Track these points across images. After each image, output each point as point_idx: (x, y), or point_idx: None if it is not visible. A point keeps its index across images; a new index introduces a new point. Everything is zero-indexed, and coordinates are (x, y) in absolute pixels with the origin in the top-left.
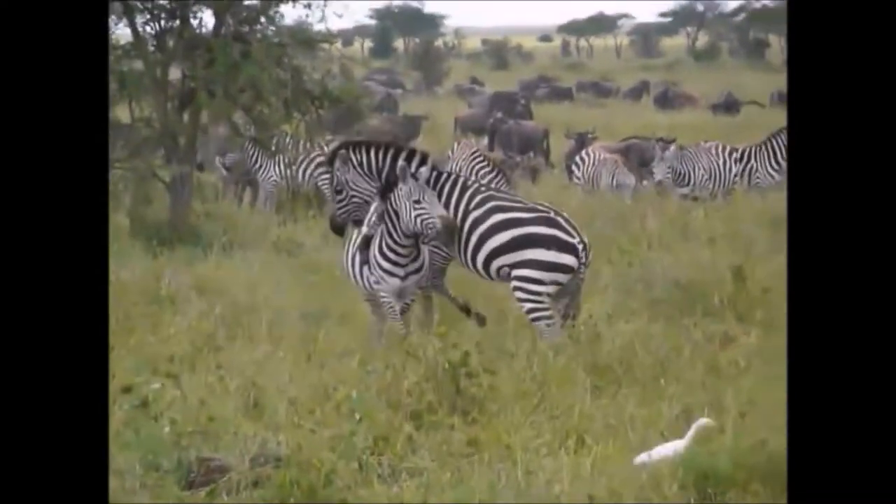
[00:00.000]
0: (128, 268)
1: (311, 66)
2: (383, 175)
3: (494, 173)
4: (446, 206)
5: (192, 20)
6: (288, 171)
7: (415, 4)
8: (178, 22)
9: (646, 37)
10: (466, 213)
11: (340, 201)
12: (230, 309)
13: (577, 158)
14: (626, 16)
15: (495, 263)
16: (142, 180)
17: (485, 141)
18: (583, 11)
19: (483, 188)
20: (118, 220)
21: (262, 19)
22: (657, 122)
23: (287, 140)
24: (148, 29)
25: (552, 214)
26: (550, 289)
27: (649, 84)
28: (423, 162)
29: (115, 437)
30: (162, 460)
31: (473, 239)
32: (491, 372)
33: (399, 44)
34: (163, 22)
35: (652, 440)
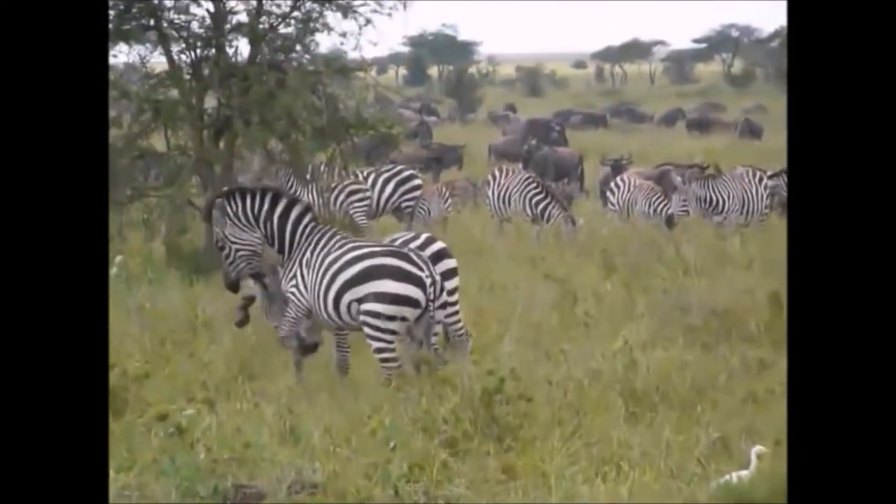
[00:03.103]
0: (164, 295)
1: (346, 94)
2: (261, 223)
3: (548, 200)
4: (314, 253)
5: (227, 48)
6: (321, 199)
7: (449, 32)
8: (213, 50)
9: (680, 63)
10: (327, 255)
11: (226, 257)
12: (265, 336)
13: (613, 185)
14: (660, 42)
15: (345, 298)
16: (177, 209)
17: (520, 167)
18: (617, 38)
19: (351, 239)
20: (154, 248)
21: (298, 48)
22: (691, 148)
23: (322, 168)
24: (184, 57)
25: (403, 249)
26: (396, 325)
27: (683, 110)
28: (305, 211)
29: (151, 465)
30: (198, 487)
31: (328, 276)
32: (527, 399)
33: (433, 71)
34: (198, 50)
35: (688, 467)
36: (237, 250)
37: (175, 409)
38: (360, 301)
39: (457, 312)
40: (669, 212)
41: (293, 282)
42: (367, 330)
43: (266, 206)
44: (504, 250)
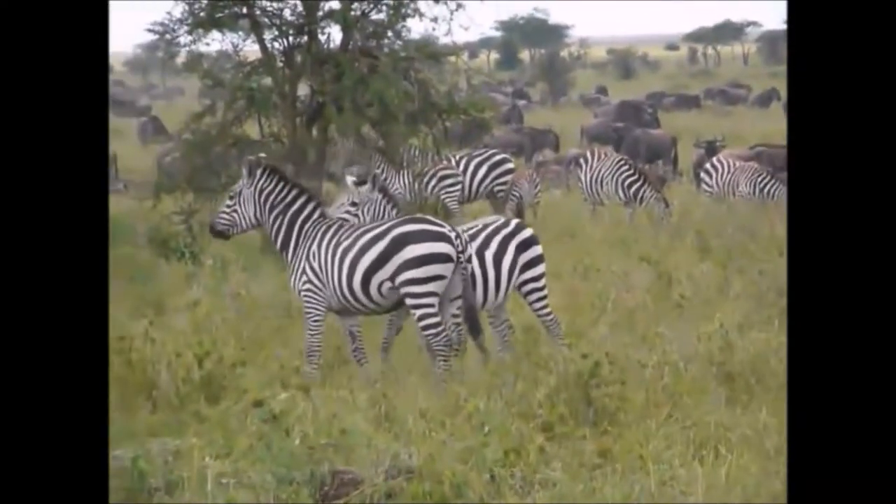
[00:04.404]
0: (258, 282)
1: (438, 79)
2: (267, 208)
3: (641, 182)
4: (322, 245)
5: (319, 36)
6: (416, 184)
7: (540, 15)
8: (306, 38)
9: (773, 43)
10: (338, 245)
11: (227, 206)
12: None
13: (709, 167)
14: (753, 23)
15: (374, 281)
16: None
17: (611, 149)
18: (709, 19)
19: (357, 225)
20: (249, 236)
21: (389, 34)
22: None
23: (415, 153)
24: (276, 45)
25: (415, 215)
26: (434, 286)
27: (778, 91)
28: (317, 207)
29: (247, 452)
30: (294, 473)
31: (346, 263)
32: (622, 382)
33: (525, 55)
34: (291, 38)
35: (786, 449)
36: (234, 210)
37: (270, 395)
38: (391, 279)
39: (544, 298)
40: (776, 191)
41: (304, 278)
42: (408, 300)
43: (288, 199)
44: (597, 233)
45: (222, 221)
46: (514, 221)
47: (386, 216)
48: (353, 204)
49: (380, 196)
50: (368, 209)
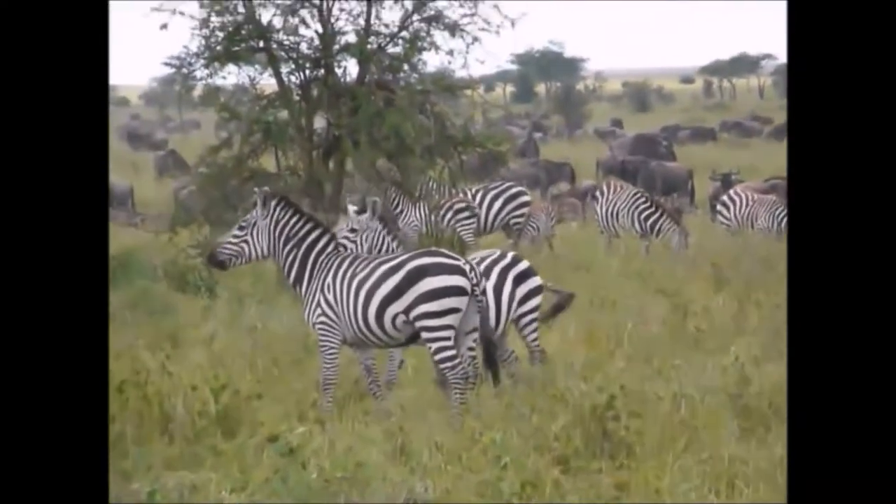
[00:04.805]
0: (275, 316)
1: (454, 112)
2: (282, 241)
3: (657, 214)
4: (336, 277)
5: (336, 69)
6: (432, 216)
7: (556, 48)
8: (322, 71)
9: None
10: (353, 276)
11: (235, 236)
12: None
13: (726, 199)
14: (768, 56)
15: (388, 313)
16: None
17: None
18: (725, 52)
19: (372, 256)
20: (265, 268)
21: (406, 67)
22: None
23: (431, 185)
24: (293, 78)
25: (431, 248)
26: (450, 319)
27: None
28: (331, 240)
29: (263, 485)
30: None
31: (362, 295)
32: (638, 415)
33: (540, 88)
34: (307, 71)
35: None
36: (243, 241)
37: (287, 429)
38: (406, 311)
39: (536, 330)
40: None
41: (318, 311)
42: (424, 334)
43: (302, 232)
44: (613, 265)
45: (226, 252)
46: (511, 254)
47: (385, 245)
48: (352, 230)
49: (379, 226)
50: (367, 237)
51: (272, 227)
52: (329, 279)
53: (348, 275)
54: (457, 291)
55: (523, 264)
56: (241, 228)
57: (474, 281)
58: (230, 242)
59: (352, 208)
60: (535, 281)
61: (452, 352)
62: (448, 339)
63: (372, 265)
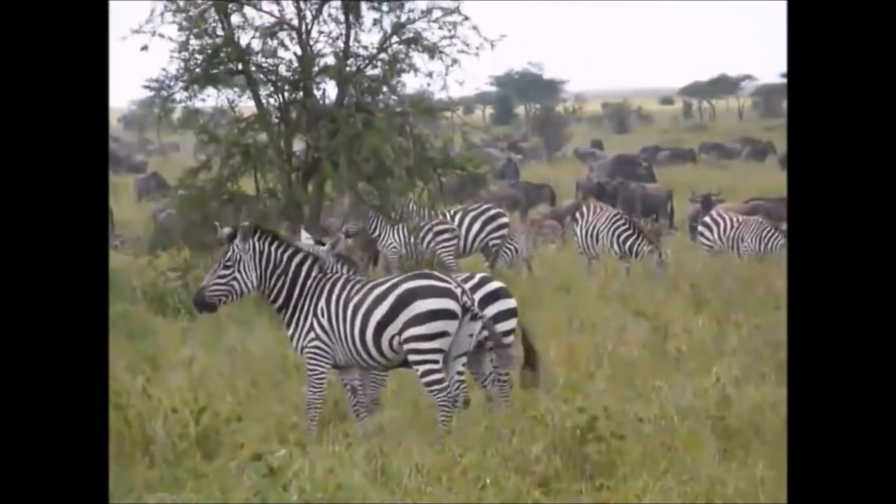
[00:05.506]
0: (254, 338)
1: (433, 134)
2: (267, 272)
3: (636, 236)
4: (330, 302)
5: (315, 91)
6: (412, 239)
7: (535, 70)
8: (301, 93)
9: (768, 97)
10: (348, 300)
11: (222, 276)
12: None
13: (709, 221)
14: (748, 77)
15: (385, 336)
16: None
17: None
18: (704, 73)
19: (365, 279)
20: None
21: (385, 89)
22: (783, 184)
23: (410, 207)
24: (272, 101)
25: (424, 271)
26: (439, 343)
27: (773, 145)
28: (316, 263)
29: None
30: None
31: (358, 319)
32: (619, 437)
33: (520, 110)
34: (286, 94)
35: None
36: (235, 280)
37: (267, 450)
38: (399, 333)
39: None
40: (782, 245)
41: (311, 335)
42: (412, 357)
43: (285, 258)
44: (593, 287)
45: (217, 292)
46: (479, 275)
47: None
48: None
49: (333, 260)
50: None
51: (258, 259)
52: (322, 303)
53: (342, 299)
54: (446, 315)
55: (493, 284)
56: (226, 267)
57: (465, 304)
58: (217, 283)
59: (305, 236)
60: (508, 302)
61: (440, 375)
62: (436, 362)
63: (365, 289)
